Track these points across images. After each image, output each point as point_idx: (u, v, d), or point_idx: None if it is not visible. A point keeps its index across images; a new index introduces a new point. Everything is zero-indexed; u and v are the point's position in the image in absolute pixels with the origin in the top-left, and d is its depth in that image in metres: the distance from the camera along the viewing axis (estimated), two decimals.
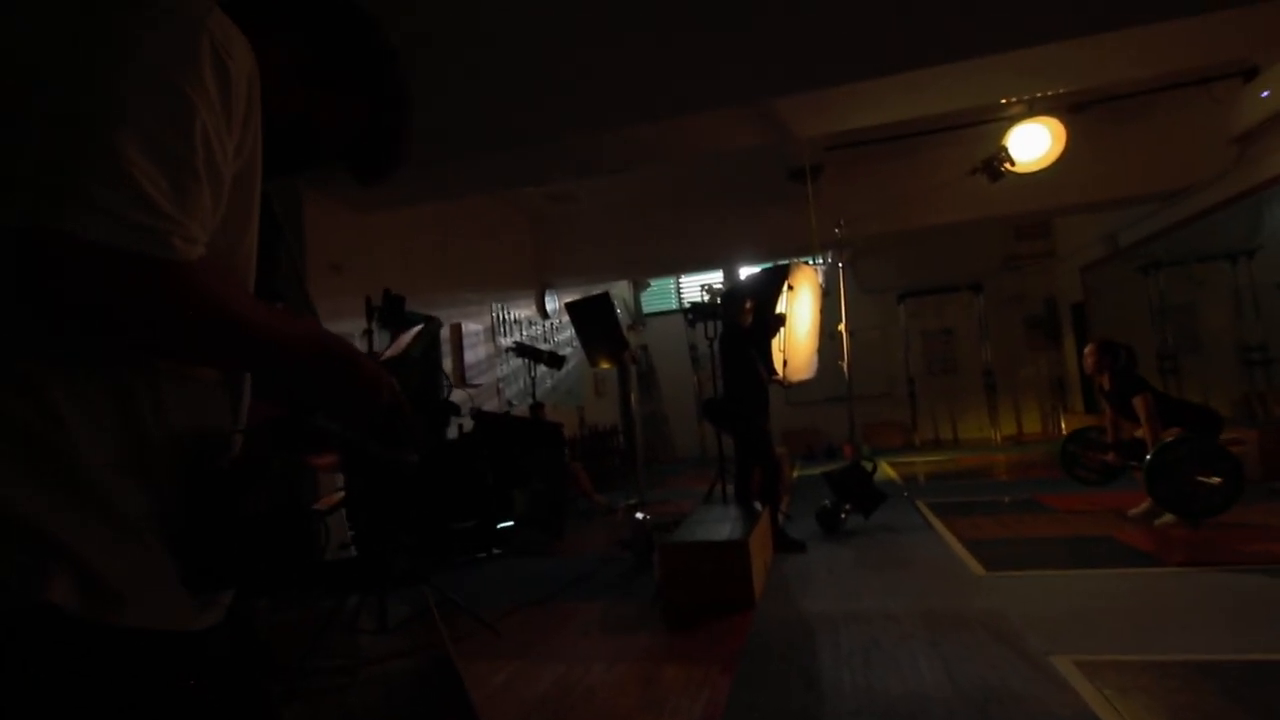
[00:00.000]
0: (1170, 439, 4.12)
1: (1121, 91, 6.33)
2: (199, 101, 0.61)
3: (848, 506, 4.89)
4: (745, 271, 8.19)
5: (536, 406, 6.52)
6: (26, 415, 0.59)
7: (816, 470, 5.83)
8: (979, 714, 2.07)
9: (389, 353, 0.98)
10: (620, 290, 11.61)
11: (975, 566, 3.68)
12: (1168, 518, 4.17)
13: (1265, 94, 6.13)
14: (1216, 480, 3.97)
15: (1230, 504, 3.99)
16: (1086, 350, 4.68)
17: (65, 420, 0.60)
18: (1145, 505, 4.40)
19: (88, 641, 0.60)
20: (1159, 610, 2.83)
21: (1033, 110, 6.11)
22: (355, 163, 0.94)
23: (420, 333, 0.98)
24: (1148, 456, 4.14)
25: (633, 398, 6.61)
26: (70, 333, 0.60)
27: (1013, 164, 5.35)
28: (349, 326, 4.43)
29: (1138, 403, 4.28)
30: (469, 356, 6.66)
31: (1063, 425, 10.33)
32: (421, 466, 0.88)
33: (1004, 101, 5.93)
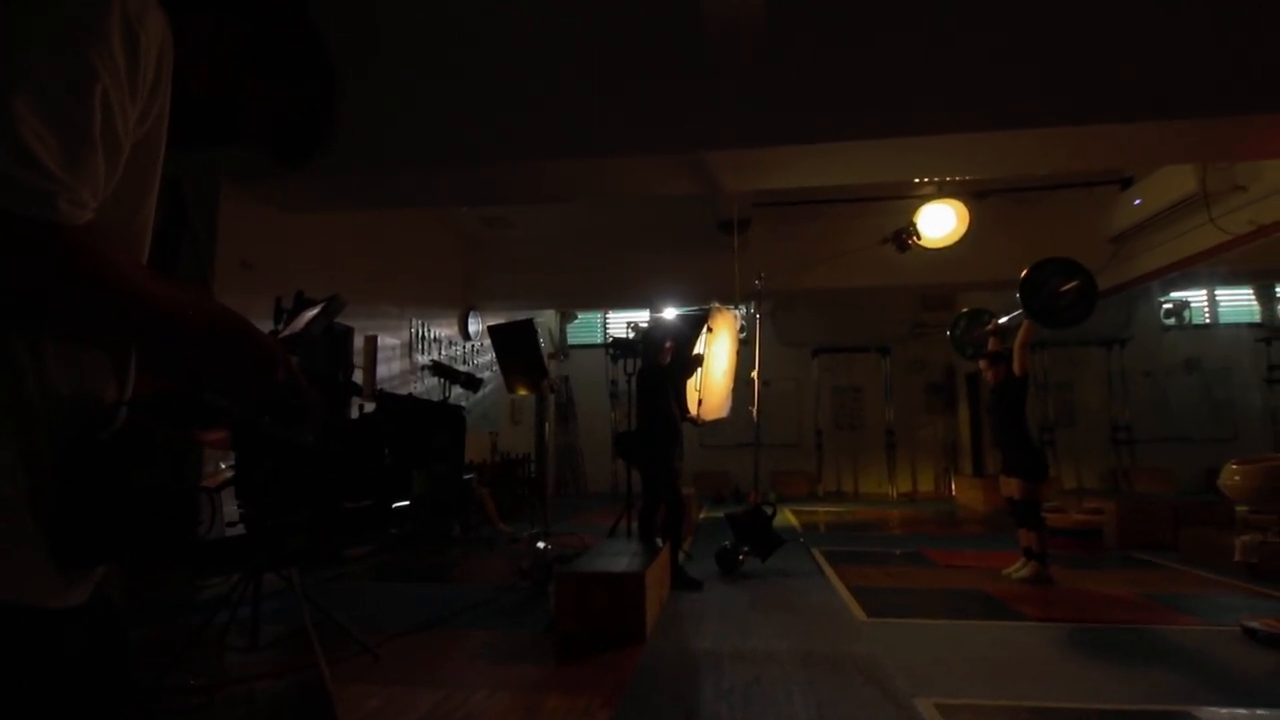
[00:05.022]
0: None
1: (1019, 185, 6.99)
2: (102, 67, 0.61)
3: (746, 549, 5.01)
4: (670, 312, 8.37)
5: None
6: None
7: (722, 513, 5.95)
8: None
9: (288, 330, 0.98)
10: (547, 319, 11.60)
11: (858, 612, 3.84)
12: (1025, 571, 4.53)
13: (1138, 201, 6.92)
14: (1075, 284, 4.45)
15: (1090, 307, 4.44)
16: (983, 365, 5.07)
17: None
18: (1017, 565, 4.72)
19: None
20: (1015, 660, 3.04)
21: (941, 192, 6.65)
22: (275, 144, 0.93)
23: (321, 311, 0.98)
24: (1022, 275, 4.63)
25: (548, 428, 6.57)
26: None
27: (919, 239, 5.77)
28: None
29: (1025, 325, 4.73)
30: (382, 370, 6.48)
31: (953, 486, 10.97)
32: (318, 445, 0.87)
33: (917, 181, 6.45)
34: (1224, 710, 2.45)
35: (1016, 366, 4.70)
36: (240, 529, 2.35)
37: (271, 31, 0.85)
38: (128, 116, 0.65)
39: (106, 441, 0.67)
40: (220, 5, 0.81)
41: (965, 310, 6.01)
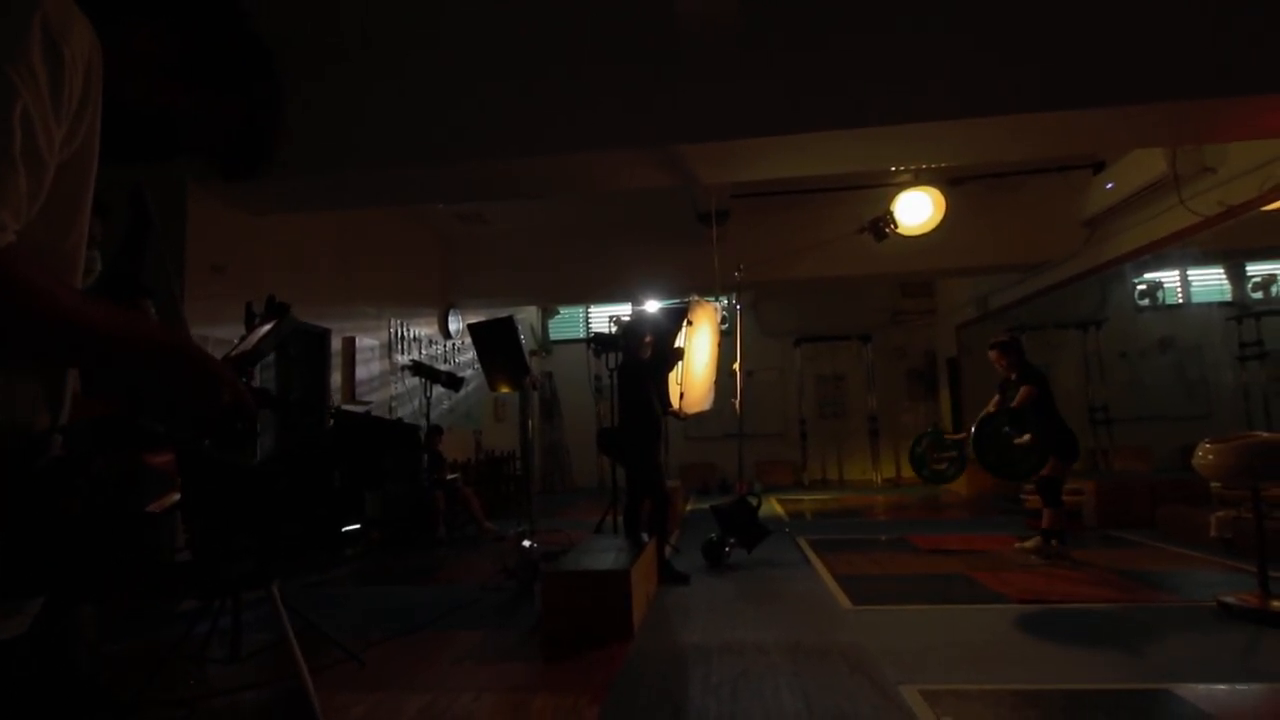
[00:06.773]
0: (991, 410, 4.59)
1: (993, 171, 7.04)
2: (21, 84, 0.58)
3: (732, 540, 5.02)
4: (652, 305, 8.35)
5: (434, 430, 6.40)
6: None
7: (708, 504, 5.97)
8: None
9: (239, 349, 0.95)
10: (529, 315, 11.53)
11: (844, 601, 3.87)
12: (1028, 543, 4.65)
13: (1110, 185, 6.99)
14: (1028, 437, 4.44)
15: (1042, 462, 4.43)
16: (992, 356, 4.97)
17: None
18: (1033, 542, 4.76)
19: None
20: (998, 643, 3.08)
21: (918, 180, 6.67)
22: (220, 158, 0.90)
23: (272, 329, 0.95)
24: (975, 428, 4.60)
25: (532, 424, 6.54)
26: None
27: (896, 226, 5.79)
28: (225, 331, 4.17)
29: (1022, 390, 4.66)
30: (361, 372, 6.40)
31: None
32: (265, 467, 0.85)
33: (893, 169, 6.46)
34: (1201, 687, 2.49)
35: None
36: (186, 554, 2.29)
37: (209, 43, 0.81)
38: (52, 134, 0.62)
39: (39, 471, 0.64)
40: (154, 16, 0.78)
41: (929, 430, 6.06)
